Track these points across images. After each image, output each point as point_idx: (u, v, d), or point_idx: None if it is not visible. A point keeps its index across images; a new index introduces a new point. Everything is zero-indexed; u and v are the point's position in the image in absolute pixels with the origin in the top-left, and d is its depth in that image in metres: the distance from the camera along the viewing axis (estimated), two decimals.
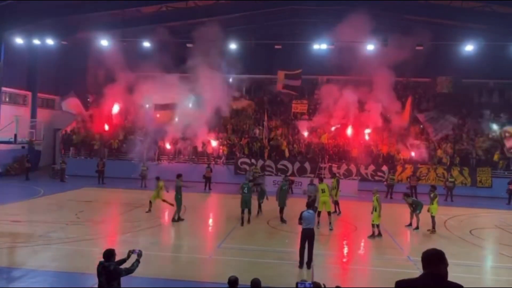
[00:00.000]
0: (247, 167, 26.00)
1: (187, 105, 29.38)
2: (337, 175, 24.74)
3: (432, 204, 15.04)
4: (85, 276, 9.39)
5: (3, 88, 27.23)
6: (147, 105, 30.00)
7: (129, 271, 6.30)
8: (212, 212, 20.01)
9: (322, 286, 5.12)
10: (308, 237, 10.43)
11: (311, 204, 11.21)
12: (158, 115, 28.88)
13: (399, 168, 25.78)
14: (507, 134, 25.69)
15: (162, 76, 26.86)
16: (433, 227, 14.90)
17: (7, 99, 28.70)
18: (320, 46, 26.28)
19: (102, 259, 6.36)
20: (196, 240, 13.65)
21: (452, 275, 3.63)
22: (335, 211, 17.41)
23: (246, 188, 15.44)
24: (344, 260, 12.12)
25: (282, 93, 33.60)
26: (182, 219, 15.51)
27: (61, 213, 16.34)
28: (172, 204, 16.10)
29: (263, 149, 27.93)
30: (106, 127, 30.93)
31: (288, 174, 25.95)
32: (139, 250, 6.57)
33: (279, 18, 32.25)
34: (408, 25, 26.08)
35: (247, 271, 9.46)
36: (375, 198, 13.91)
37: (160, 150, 28.81)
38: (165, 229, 15.32)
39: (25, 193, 21.47)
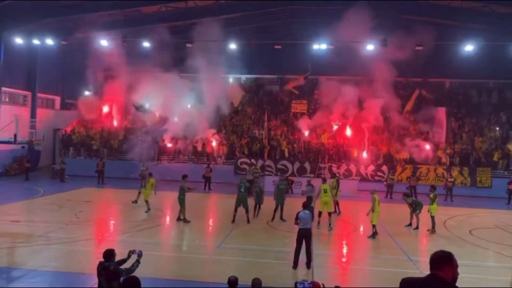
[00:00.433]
0: (247, 167, 25.99)
1: (186, 104, 29.47)
2: (337, 175, 24.81)
3: (432, 204, 15.05)
4: (84, 276, 9.39)
5: (3, 88, 27.22)
6: (147, 105, 30.07)
7: (129, 271, 6.29)
8: (212, 212, 20.01)
9: (321, 286, 5.12)
10: (305, 237, 10.44)
11: (307, 204, 11.25)
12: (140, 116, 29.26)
13: (398, 168, 25.80)
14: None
15: (162, 76, 26.89)
16: (433, 227, 14.91)
17: (7, 99, 28.68)
18: (320, 46, 26.30)
19: (102, 259, 6.36)
20: (196, 240, 13.65)
21: None
22: (335, 211, 17.42)
23: (243, 187, 15.56)
24: (344, 260, 12.13)
25: (282, 93, 33.69)
26: (189, 221, 15.25)
27: (61, 213, 16.34)
28: (149, 209, 16.56)
29: (263, 149, 27.93)
30: (106, 126, 31.06)
31: (288, 174, 26.01)
32: (139, 251, 6.56)
33: (279, 18, 32.26)
34: (408, 25, 26.07)
35: (247, 271, 9.47)
36: (373, 197, 13.93)
37: (160, 149, 28.82)
38: (165, 229, 15.32)
39: (24, 193, 21.48)
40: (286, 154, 27.67)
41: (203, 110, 27.99)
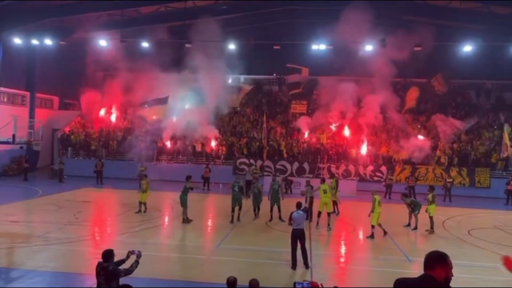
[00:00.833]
0: (246, 168, 25.99)
1: (185, 104, 29.43)
2: (336, 175, 24.83)
3: (430, 204, 15.07)
4: (83, 276, 9.39)
5: (2, 88, 27.21)
6: (145, 105, 30.04)
7: (128, 271, 6.29)
8: (211, 212, 20.00)
9: (320, 286, 5.12)
10: (298, 237, 10.44)
11: (300, 205, 11.27)
12: (149, 111, 29.02)
13: (397, 168, 25.83)
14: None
15: (161, 76, 26.87)
16: (431, 227, 14.93)
17: (5, 99, 28.63)
18: (319, 47, 26.29)
19: (100, 260, 6.36)
20: (195, 240, 13.64)
21: None
22: (334, 211, 17.43)
23: (237, 187, 15.70)
24: (343, 260, 12.14)
25: (280, 93, 33.69)
26: (191, 220, 15.41)
27: (60, 214, 16.31)
28: (140, 210, 16.49)
29: (262, 150, 27.93)
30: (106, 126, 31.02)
31: (287, 174, 26.04)
32: (138, 251, 6.56)
33: (278, 18, 32.27)
34: (407, 25, 26.11)
35: (246, 271, 9.47)
36: (374, 198, 13.94)
37: (158, 150, 28.77)
38: (163, 230, 15.31)
39: (23, 194, 21.45)
40: (285, 155, 27.67)
41: (202, 110, 27.96)
